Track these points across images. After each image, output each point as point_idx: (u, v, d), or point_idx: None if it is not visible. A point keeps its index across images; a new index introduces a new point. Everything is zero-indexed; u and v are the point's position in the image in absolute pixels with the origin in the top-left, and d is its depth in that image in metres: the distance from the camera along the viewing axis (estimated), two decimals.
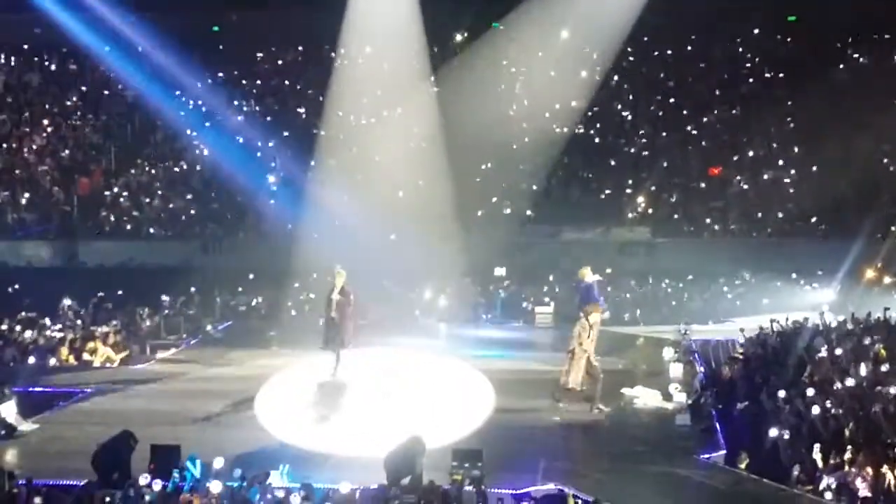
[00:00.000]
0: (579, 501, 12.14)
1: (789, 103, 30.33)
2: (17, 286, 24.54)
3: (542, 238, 27.61)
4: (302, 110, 32.47)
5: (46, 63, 34.65)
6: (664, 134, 31.09)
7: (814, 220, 27.63)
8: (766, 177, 29.56)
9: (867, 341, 17.89)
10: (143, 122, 31.95)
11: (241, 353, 20.57)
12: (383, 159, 28.15)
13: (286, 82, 33.97)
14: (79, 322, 22.30)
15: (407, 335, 21.79)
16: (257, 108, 32.53)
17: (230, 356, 20.42)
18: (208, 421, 16.13)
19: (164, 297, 23.72)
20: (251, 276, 25.37)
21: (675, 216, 28.73)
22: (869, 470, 12.77)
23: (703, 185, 29.62)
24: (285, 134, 30.26)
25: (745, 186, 29.35)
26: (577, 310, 17.37)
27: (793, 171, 29.26)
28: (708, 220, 28.50)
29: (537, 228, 28.09)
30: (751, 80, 32.25)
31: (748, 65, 32.92)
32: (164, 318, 23.00)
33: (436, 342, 21.65)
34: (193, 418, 16.20)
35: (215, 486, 12.30)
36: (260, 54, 34.83)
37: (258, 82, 33.96)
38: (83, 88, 33.68)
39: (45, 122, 32.32)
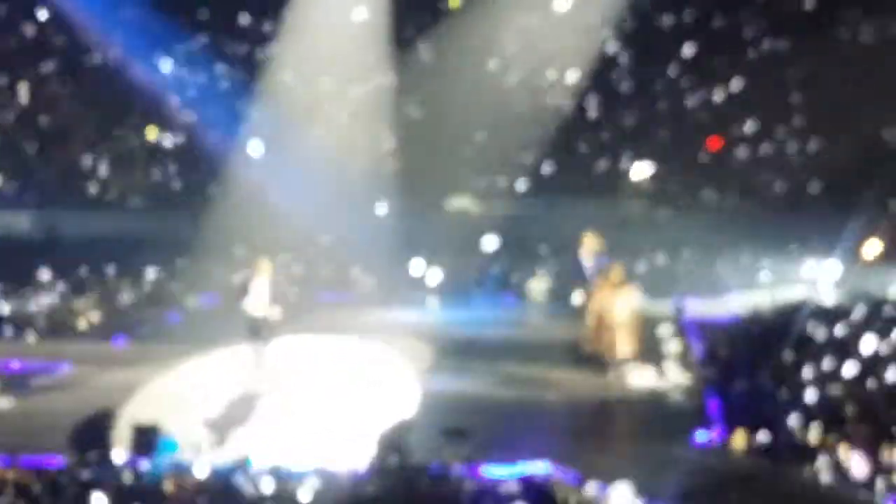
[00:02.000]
0: (567, 479, 12.14)
1: (791, 72, 30.18)
2: None
3: (536, 211, 27.54)
4: (288, 77, 32.17)
5: (24, 27, 34.34)
6: (664, 104, 30.94)
7: (816, 193, 27.58)
8: (767, 150, 29.47)
9: (867, 319, 17.89)
10: (123, 89, 31.70)
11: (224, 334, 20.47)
12: (370, 128, 28.02)
13: (271, 47, 33.68)
14: (58, 294, 22.23)
15: (394, 310, 21.80)
16: (245, 76, 32.27)
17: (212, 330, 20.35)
18: (190, 398, 16.07)
19: (149, 269, 23.59)
20: (238, 250, 25.29)
21: (674, 189, 28.64)
22: (865, 449, 12.80)
23: (702, 157, 29.52)
24: (271, 102, 30.06)
25: (746, 159, 29.27)
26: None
27: (795, 144, 29.18)
28: (708, 194, 28.44)
29: (532, 202, 28.01)
30: (752, 52, 32.06)
31: (749, 36, 32.72)
32: (145, 291, 22.93)
33: (423, 317, 21.68)
34: (176, 395, 16.17)
35: (198, 470, 12.27)
36: (246, 20, 34.50)
37: (245, 48, 33.65)
38: (61, 53, 33.40)
39: (23, 89, 32.06)
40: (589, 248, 19.35)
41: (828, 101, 27.96)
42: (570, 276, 19.99)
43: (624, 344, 17.26)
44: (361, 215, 24.78)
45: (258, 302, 16.36)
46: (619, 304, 17.22)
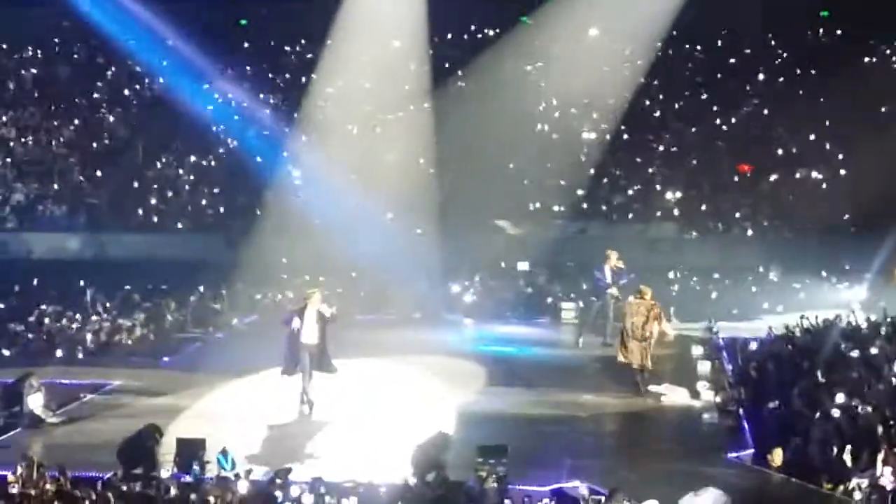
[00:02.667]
0: (600, 497, 12.07)
1: (821, 100, 30.04)
2: (44, 278, 24.71)
3: (569, 234, 27.52)
4: (323, 104, 32.35)
5: (74, 56, 34.83)
6: (693, 130, 30.89)
7: (846, 217, 27.37)
8: (797, 175, 29.31)
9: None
10: (169, 115, 32.04)
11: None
12: (407, 156, 28.15)
13: (314, 76, 33.96)
14: (105, 314, 22.44)
15: (432, 330, 21.84)
16: (285, 103, 32.53)
17: (256, 350, 20.41)
18: (234, 416, 16.14)
19: (199, 289, 23.74)
20: (280, 274, 25.40)
21: (704, 213, 28.56)
22: None
23: (732, 181, 29.41)
24: (312, 129, 30.23)
25: (776, 184, 29.12)
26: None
27: (824, 169, 29.00)
28: (737, 216, 28.33)
29: (564, 224, 28.00)
30: (782, 76, 31.97)
31: (778, 61, 32.64)
32: (190, 312, 23.09)
33: (460, 337, 21.70)
34: (220, 413, 16.24)
35: (242, 485, 12.32)
36: (288, 48, 34.84)
37: (287, 76, 33.95)
38: (110, 81, 33.85)
39: (73, 114, 32.50)
40: (610, 263, 20.35)
41: (860, 127, 27.84)
42: (592, 288, 20.24)
43: (650, 357, 17.39)
44: (399, 237, 24.81)
45: (311, 331, 16.21)
46: (648, 320, 17.28)
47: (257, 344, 20.82)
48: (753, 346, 18.96)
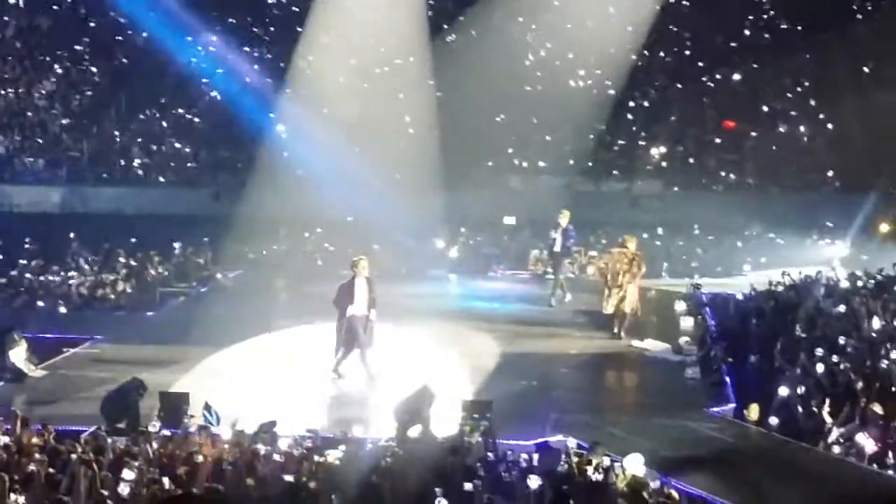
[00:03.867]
0: (583, 451, 12.15)
1: (807, 56, 29.97)
2: (26, 232, 24.56)
3: (554, 189, 27.46)
4: (311, 58, 32.08)
5: (55, 7, 34.38)
6: (679, 86, 30.79)
7: (830, 174, 27.42)
8: (781, 130, 29.32)
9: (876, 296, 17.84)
10: (153, 68, 31.73)
11: (253, 303, 20.49)
12: (393, 109, 27.98)
13: (299, 29, 33.62)
14: (88, 268, 22.35)
15: (417, 285, 21.84)
16: (269, 56, 32.23)
17: (240, 305, 20.40)
18: (219, 370, 16.14)
19: (176, 245, 23.71)
20: (262, 225, 25.32)
21: (689, 169, 28.57)
22: (879, 423, 12.76)
23: (717, 138, 29.40)
24: (300, 82, 29.96)
25: (760, 140, 29.12)
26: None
27: (808, 125, 29.01)
28: (722, 174, 28.37)
29: (550, 180, 27.95)
30: (767, 33, 31.83)
31: (765, 16, 32.48)
32: (174, 266, 23.02)
33: (444, 292, 21.72)
34: (204, 368, 16.24)
35: (225, 433, 12.36)
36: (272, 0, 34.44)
37: (272, 29, 33.59)
38: (93, 33, 33.45)
39: (55, 66, 32.16)
40: (562, 223, 20.35)
41: (845, 83, 27.80)
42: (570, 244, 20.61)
43: (633, 303, 17.77)
44: (385, 192, 24.73)
45: (362, 302, 15.69)
46: (630, 269, 17.68)
47: (241, 298, 20.91)
48: (737, 301, 19.06)
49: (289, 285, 21.52)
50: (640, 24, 29.70)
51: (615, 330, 17.91)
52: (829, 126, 28.46)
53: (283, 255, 24.62)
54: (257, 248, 24.92)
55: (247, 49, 31.70)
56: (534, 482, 10.90)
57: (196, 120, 30.70)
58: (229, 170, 28.68)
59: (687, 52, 31.70)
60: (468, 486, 10.81)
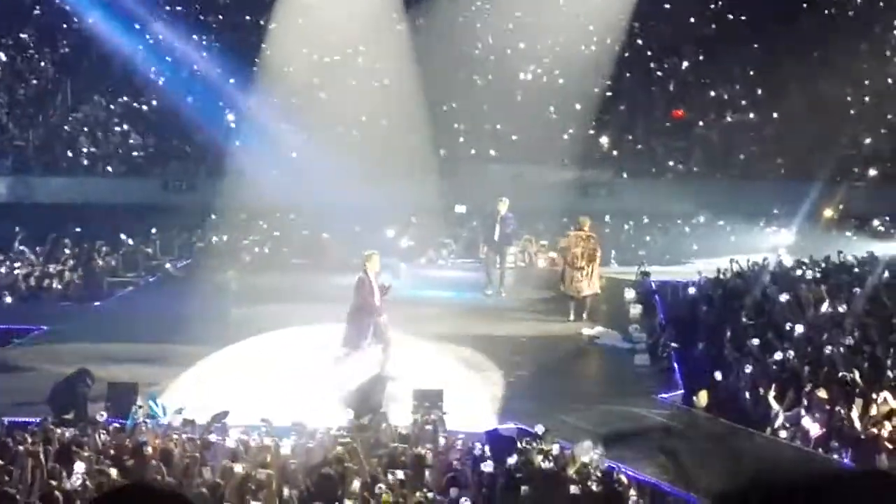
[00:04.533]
0: (533, 439, 12.21)
1: (754, 45, 30.25)
2: None
3: (503, 178, 27.48)
4: (265, 46, 31.85)
5: None
6: (628, 75, 30.96)
7: (778, 161, 27.72)
8: (728, 119, 29.62)
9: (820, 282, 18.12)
10: (100, 55, 31.34)
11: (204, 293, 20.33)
12: (347, 97, 27.87)
13: (247, 17, 33.35)
14: (34, 258, 22.07)
15: None
16: (218, 44, 31.93)
17: (189, 295, 20.23)
18: (167, 361, 15.99)
19: (123, 236, 23.49)
20: (212, 216, 25.15)
21: (638, 157, 28.77)
22: (824, 408, 12.95)
23: (666, 125, 29.64)
24: (247, 70, 29.73)
25: (708, 128, 29.39)
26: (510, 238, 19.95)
27: (756, 114, 29.31)
28: (671, 162, 28.61)
29: (500, 168, 27.98)
30: (714, 23, 32.08)
31: (712, 5, 32.73)
32: (122, 256, 22.80)
33: (394, 282, 21.69)
34: (152, 357, 16.09)
35: (176, 426, 12.27)
36: None
37: (220, 17, 33.28)
38: (38, 20, 32.95)
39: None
40: (501, 211, 20.15)
41: (791, 72, 28.10)
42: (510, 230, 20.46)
43: (589, 284, 17.98)
44: (336, 181, 24.63)
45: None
46: (585, 250, 17.92)
47: (190, 288, 20.72)
48: (686, 289, 19.23)
49: (239, 274, 21.34)
50: (589, 14, 29.81)
51: (571, 317, 18.02)
52: (776, 115, 28.77)
53: (232, 243, 24.42)
54: (207, 237, 24.72)
55: (195, 37, 31.39)
56: (486, 469, 10.95)
57: (144, 108, 30.37)
58: (178, 159, 28.38)
59: (638, 42, 31.88)
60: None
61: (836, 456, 12.51)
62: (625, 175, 28.32)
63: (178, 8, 32.27)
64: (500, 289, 20.28)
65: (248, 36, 32.49)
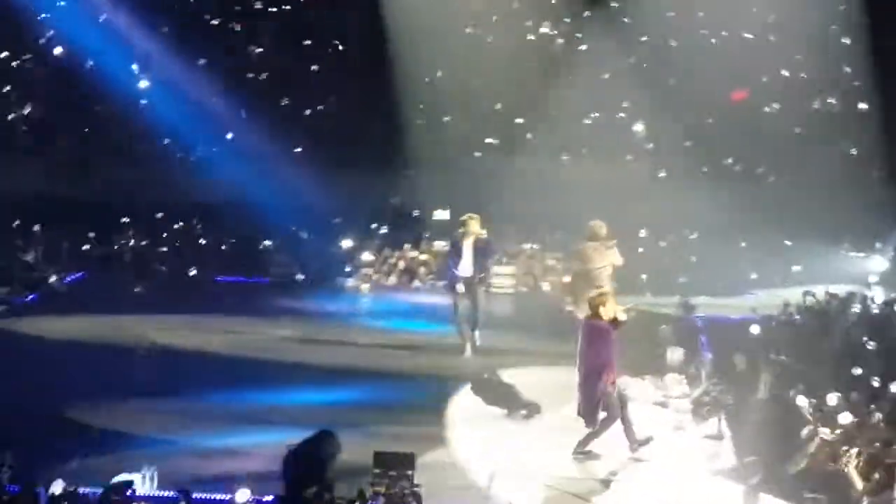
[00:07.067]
0: None
1: None
2: None
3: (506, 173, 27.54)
4: None
5: None
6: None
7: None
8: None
9: None
10: None
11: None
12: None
13: None
14: None
15: (316, 300, 22.18)
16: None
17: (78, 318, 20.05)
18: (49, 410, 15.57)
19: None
20: (114, 212, 25.24)
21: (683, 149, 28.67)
22: None
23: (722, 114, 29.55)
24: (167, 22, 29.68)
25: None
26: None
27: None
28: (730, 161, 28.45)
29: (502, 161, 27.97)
30: None
31: None
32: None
33: (355, 309, 21.77)
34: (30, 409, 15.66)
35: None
36: None
37: None
38: None
39: None
40: (470, 235, 18.95)
41: None
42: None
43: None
44: (280, 170, 24.75)
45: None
46: (603, 261, 17.99)
47: (81, 310, 20.55)
48: (745, 329, 19.05)
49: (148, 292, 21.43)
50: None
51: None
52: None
53: (140, 250, 24.42)
54: (108, 241, 24.63)
55: None
56: None
57: (30, 70, 30.19)
58: (71, 137, 28.13)
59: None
60: None
61: None
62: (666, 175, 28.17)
63: None
64: (467, 346, 19.05)
65: None
